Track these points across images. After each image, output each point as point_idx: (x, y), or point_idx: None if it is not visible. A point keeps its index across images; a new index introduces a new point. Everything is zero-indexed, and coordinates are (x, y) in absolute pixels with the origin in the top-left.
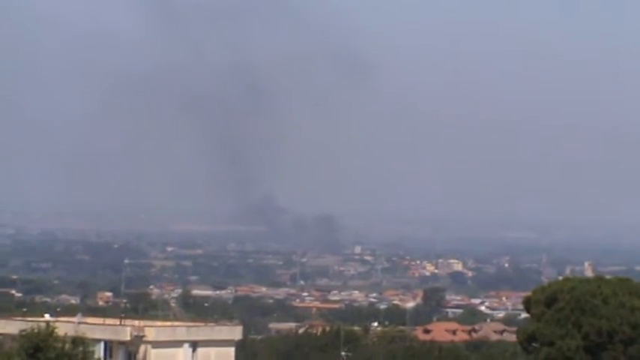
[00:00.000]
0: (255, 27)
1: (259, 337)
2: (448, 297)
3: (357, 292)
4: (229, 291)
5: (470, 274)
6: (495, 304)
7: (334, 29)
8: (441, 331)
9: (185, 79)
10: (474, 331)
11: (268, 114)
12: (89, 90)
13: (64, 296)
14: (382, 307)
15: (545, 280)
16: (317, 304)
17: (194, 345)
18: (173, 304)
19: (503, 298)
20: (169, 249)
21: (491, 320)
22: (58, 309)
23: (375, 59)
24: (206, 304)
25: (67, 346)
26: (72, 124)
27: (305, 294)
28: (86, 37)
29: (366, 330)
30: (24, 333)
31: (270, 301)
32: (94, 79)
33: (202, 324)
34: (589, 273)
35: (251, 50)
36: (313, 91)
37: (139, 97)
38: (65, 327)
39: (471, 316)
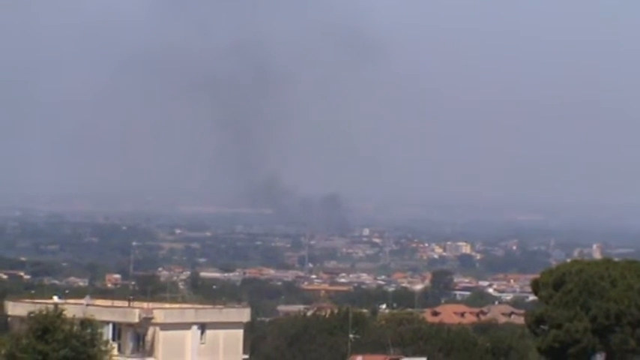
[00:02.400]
0: (262, 6)
1: (267, 319)
2: (456, 279)
3: (365, 274)
4: (237, 273)
5: (478, 256)
6: (503, 287)
7: (342, 9)
8: (449, 314)
9: (191, 59)
10: (482, 313)
11: (275, 94)
12: (96, 71)
13: (72, 278)
14: (390, 289)
15: (553, 263)
16: (325, 286)
17: (202, 327)
18: (181, 286)
19: (512, 281)
20: (177, 231)
21: (500, 303)
22: (67, 291)
23: (382, 40)
24: (214, 287)
25: (76, 328)
26: (79, 106)
27: (313, 276)
28: (93, 17)
29: (374, 312)
30: (32, 315)
31: (279, 283)
32: (101, 61)
33: (211, 306)
34: (597, 255)
35: (258, 30)
36: (320, 71)
37: (145, 78)
38: (73, 309)
39: (479, 298)
